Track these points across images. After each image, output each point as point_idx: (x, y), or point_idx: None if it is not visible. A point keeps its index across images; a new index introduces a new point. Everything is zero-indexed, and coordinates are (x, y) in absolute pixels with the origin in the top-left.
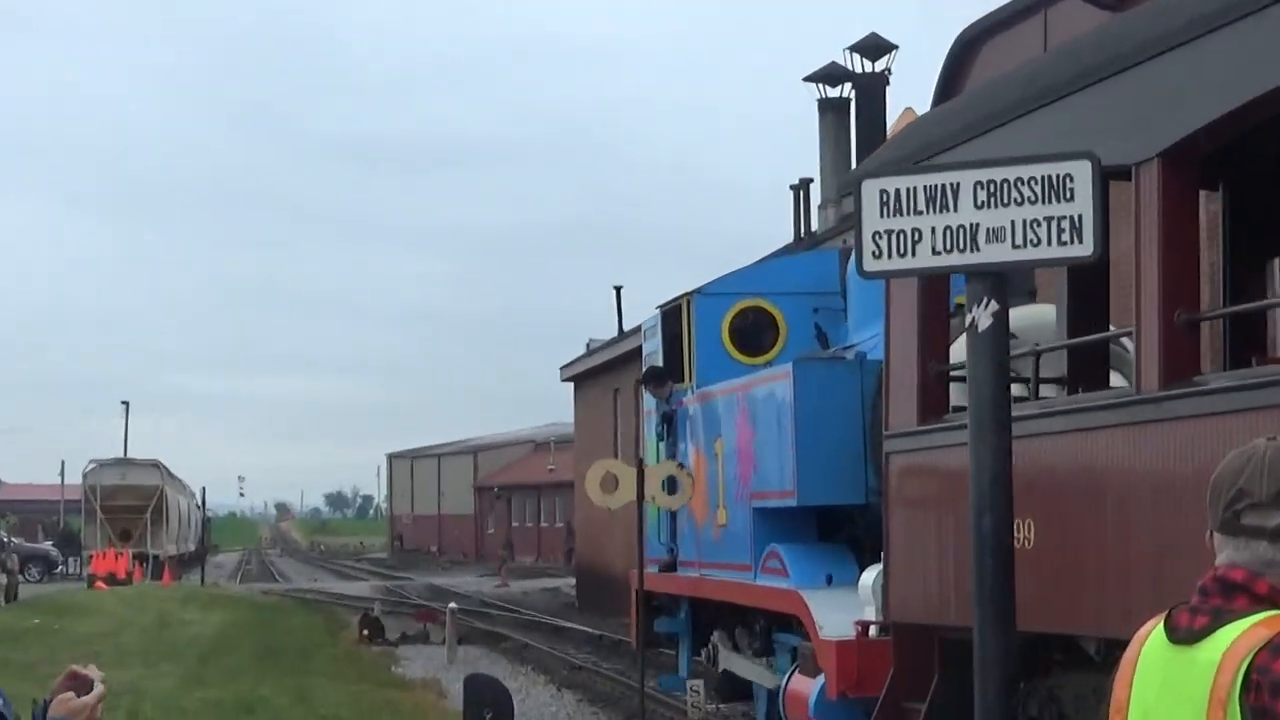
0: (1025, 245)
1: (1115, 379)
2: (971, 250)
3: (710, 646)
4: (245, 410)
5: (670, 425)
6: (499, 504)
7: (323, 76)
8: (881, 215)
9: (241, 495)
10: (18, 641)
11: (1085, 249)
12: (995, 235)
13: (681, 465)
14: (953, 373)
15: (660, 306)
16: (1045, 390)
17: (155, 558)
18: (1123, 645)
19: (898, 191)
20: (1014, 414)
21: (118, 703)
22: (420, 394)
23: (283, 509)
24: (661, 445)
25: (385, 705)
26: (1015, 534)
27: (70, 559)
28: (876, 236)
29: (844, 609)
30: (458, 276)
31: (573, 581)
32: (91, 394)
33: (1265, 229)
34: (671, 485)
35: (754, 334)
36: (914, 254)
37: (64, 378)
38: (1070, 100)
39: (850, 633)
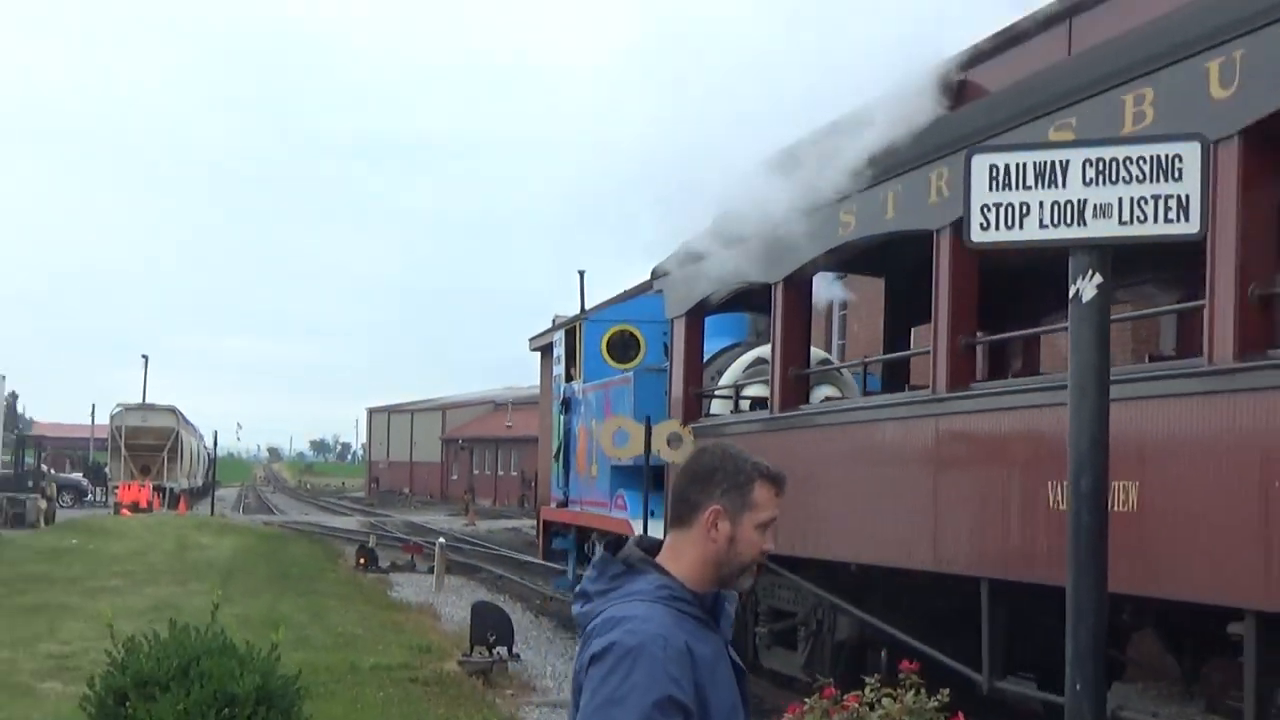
0: (1132, 221)
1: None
2: (1079, 225)
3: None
4: (245, 366)
5: (568, 406)
6: (462, 454)
7: (321, 78)
8: (990, 189)
9: (238, 439)
10: (60, 559)
11: (1191, 227)
12: (1102, 211)
13: (684, 424)
14: (713, 392)
15: (563, 326)
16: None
17: (170, 490)
18: None
19: (1007, 167)
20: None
21: (161, 615)
22: (395, 358)
23: (274, 452)
24: (562, 419)
25: (390, 624)
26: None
27: (97, 489)
28: (985, 209)
29: (657, 532)
30: (436, 257)
31: (531, 523)
32: (115, 349)
33: None
34: (675, 441)
35: (623, 348)
36: (1021, 227)
37: (90, 334)
38: None
39: None
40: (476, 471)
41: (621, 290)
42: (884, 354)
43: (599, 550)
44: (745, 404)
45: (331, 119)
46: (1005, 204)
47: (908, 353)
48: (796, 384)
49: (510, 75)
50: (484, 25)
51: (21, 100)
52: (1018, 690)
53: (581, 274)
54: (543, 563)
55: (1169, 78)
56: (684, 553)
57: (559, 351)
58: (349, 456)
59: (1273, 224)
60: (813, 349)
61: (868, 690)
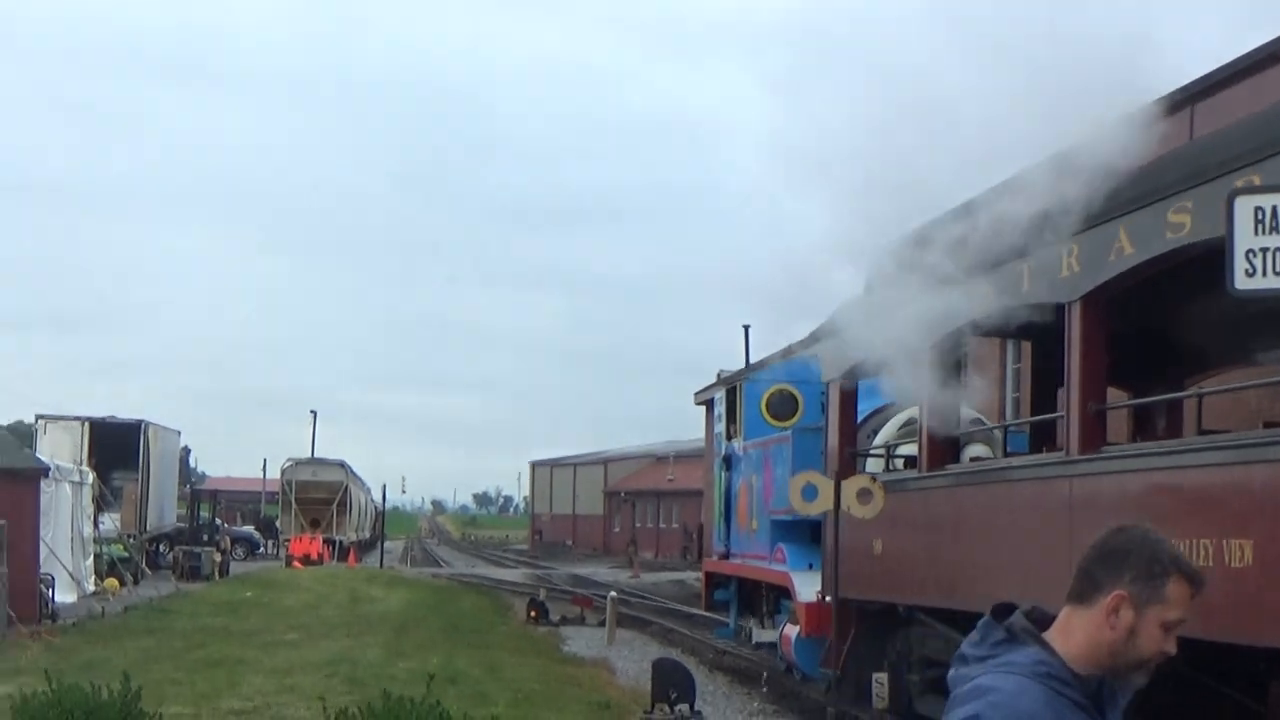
0: None
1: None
2: None
3: (747, 621)
4: (408, 420)
5: (729, 463)
6: (625, 507)
7: (474, 141)
8: (1256, 233)
9: (403, 492)
10: (236, 612)
11: None
12: None
13: (874, 478)
14: (867, 451)
15: (724, 384)
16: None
17: (340, 542)
18: None
19: (1274, 209)
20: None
21: (337, 670)
22: (556, 413)
23: (438, 505)
24: (723, 475)
25: (566, 679)
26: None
27: (268, 542)
28: (1250, 255)
29: (816, 584)
30: (596, 315)
31: (695, 574)
32: (284, 404)
33: None
34: (865, 496)
35: (781, 407)
36: None
37: (260, 391)
38: None
39: (814, 598)
40: (638, 524)
41: (786, 345)
42: (1030, 416)
43: (985, 615)
44: (899, 463)
45: (494, 188)
46: (1274, 249)
47: (1040, 417)
48: (945, 444)
49: (666, 135)
50: (642, 87)
51: (205, 170)
52: None
53: (747, 329)
54: (707, 614)
55: None
56: (1075, 631)
57: (720, 410)
58: (510, 509)
59: None
60: (963, 409)
61: None
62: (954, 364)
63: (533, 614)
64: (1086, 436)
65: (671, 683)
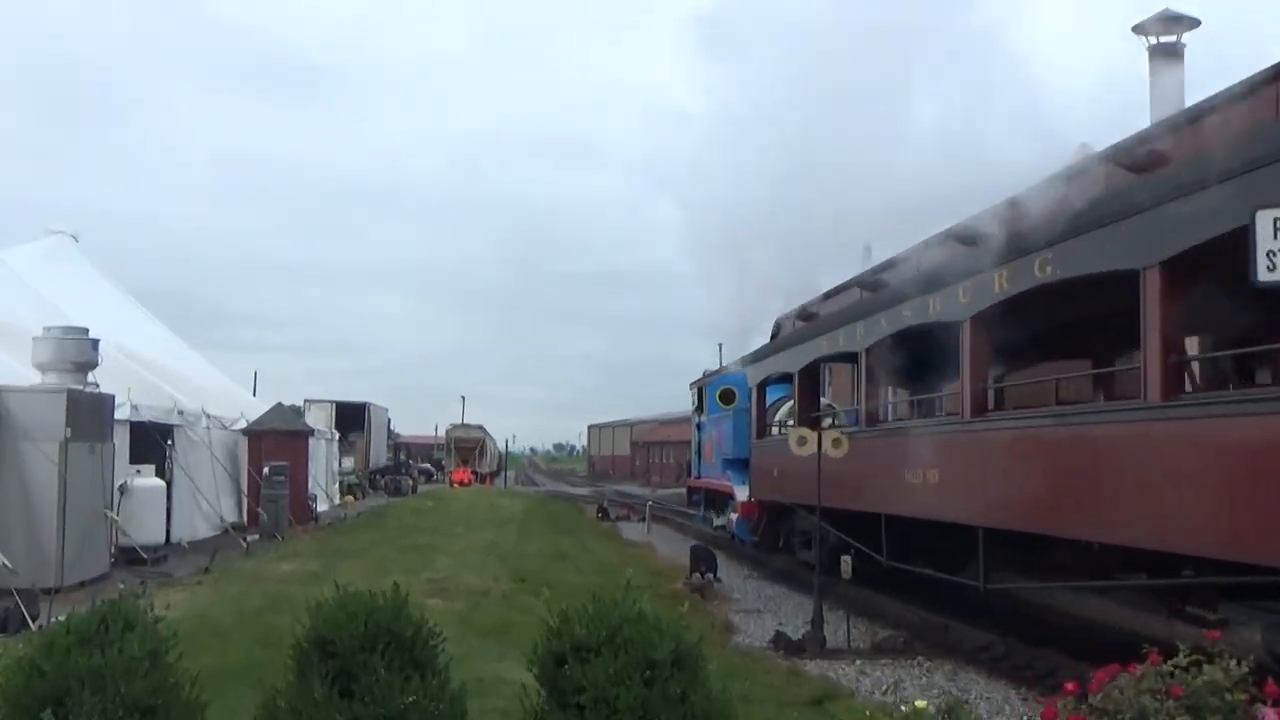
0: None
1: None
2: None
3: (712, 512)
4: (521, 403)
5: (699, 429)
6: (643, 451)
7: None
8: (1275, 238)
9: (514, 442)
10: (423, 515)
11: None
12: None
13: (841, 432)
14: (769, 425)
15: (693, 384)
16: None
17: (479, 474)
18: None
19: None
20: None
21: (492, 550)
22: (604, 396)
23: (534, 451)
24: (697, 435)
25: (630, 556)
26: None
27: (438, 473)
28: (1270, 254)
29: (747, 493)
30: (627, 339)
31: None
32: (444, 394)
33: None
34: (839, 444)
35: (727, 397)
36: None
37: (433, 385)
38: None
39: (746, 498)
40: (654, 460)
41: (740, 357)
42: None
43: None
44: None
45: (564, 259)
46: None
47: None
48: (809, 421)
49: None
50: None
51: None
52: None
53: (720, 345)
54: (689, 510)
55: None
56: None
57: (694, 398)
58: (574, 452)
59: None
60: (822, 400)
61: (1181, 655)
62: (816, 376)
63: (600, 514)
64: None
65: (702, 559)
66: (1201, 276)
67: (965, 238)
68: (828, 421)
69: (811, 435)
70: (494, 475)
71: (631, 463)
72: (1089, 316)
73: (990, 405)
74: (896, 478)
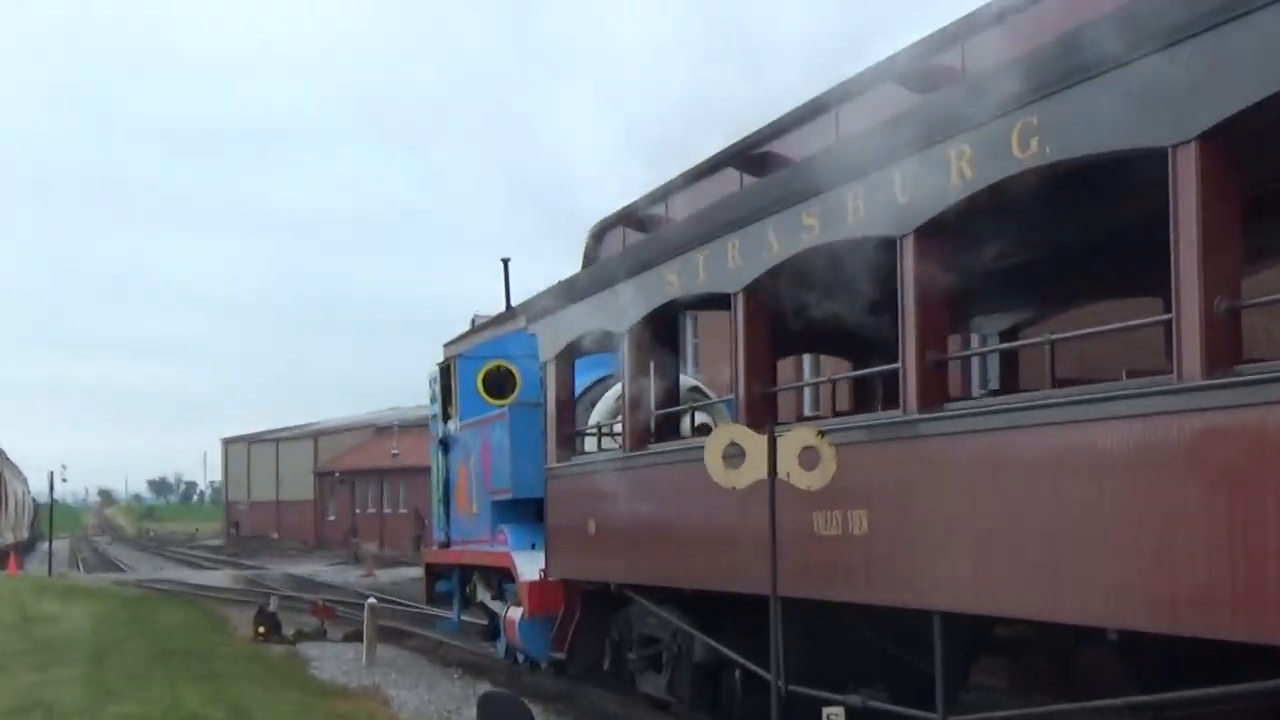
0: None
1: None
2: None
3: (473, 591)
4: (64, 397)
5: (446, 446)
6: (341, 490)
7: (136, 57)
8: None
9: (64, 481)
10: None
11: None
12: None
13: (821, 434)
14: (585, 430)
15: (439, 364)
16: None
17: None
18: None
19: None
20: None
21: (28, 718)
22: (252, 381)
23: (106, 496)
24: (442, 460)
25: (337, 717)
26: None
27: None
28: None
29: (539, 563)
30: (310, 264)
31: None
32: None
33: None
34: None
35: (499, 384)
36: None
37: None
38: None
39: (537, 577)
40: (359, 510)
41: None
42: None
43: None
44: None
45: (157, 103)
46: None
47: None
48: (663, 419)
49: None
50: None
51: None
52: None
53: (506, 263)
54: (436, 612)
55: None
56: None
57: (435, 389)
58: (195, 497)
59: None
60: (684, 378)
61: None
62: (671, 337)
63: (261, 630)
64: (754, 415)
65: None
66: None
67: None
68: (700, 418)
69: (756, 445)
70: (21, 548)
71: (317, 514)
72: None
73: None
74: (801, 526)
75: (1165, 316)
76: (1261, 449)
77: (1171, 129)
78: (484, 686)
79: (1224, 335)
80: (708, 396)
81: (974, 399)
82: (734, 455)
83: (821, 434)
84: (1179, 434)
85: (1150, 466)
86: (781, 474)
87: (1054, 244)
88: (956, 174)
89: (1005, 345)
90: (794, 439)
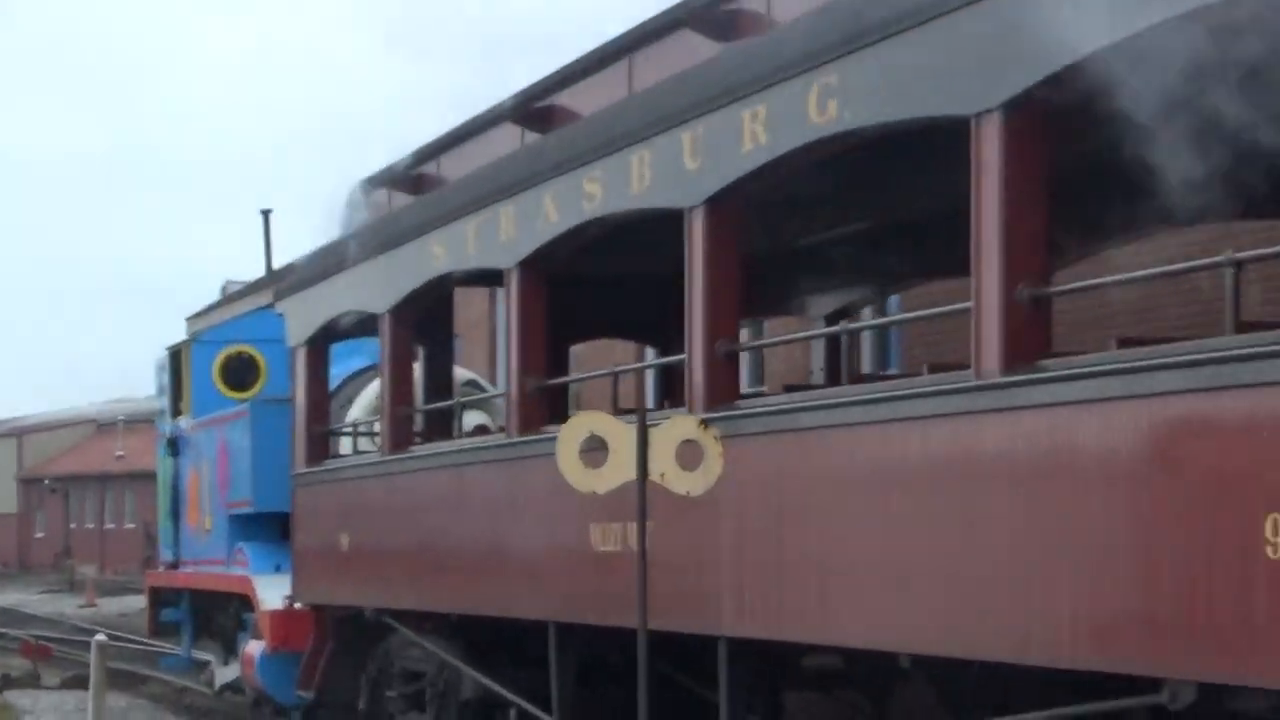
0: None
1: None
2: None
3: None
4: None
5: (175, 447)
6: (52, 500)
7: None
8: None
9: None
10: None
11: None
12: None
13: (704, 424)
14: (340, 429)
15: (168, 349)
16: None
17: None
18: None
19: None
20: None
21: None
22: None
23: None
24: (170, 463)
25: None
26: None
27: None
28: None
29: (285, 588)
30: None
31: None
32: None
33: None
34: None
35: (240, 374)
36: None
37: None
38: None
39: (281, 605)
40: (74, 525)
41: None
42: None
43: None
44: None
45: None
46: None
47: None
48: (432, 416)
49: None
50: None
51: None
52: None
53: (267, 215)
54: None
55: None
56: None
57: (163, 379)
58: None
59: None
60: (459, 370)
61: None
62: (443, 320)
63: None
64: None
65: None
66: None
67: None
68: (473, 421)
69: (624, 438)
70: None
71: (21, 530)
72: None
73: None
74: (577, 542)
75: (965, 305)
76: (1070, 454)
77: (975, 97)
78: None
79: (1029, 326)
80: (486, 391)
81: (771, 396)
82: (593, 450)
83: (705, 425)
84: (976, 437)
85: (947, 474)
86: (655, 475)
87: (884, 219)
88: (750, 137)
89: (791, 337)
90: (672, 431)
